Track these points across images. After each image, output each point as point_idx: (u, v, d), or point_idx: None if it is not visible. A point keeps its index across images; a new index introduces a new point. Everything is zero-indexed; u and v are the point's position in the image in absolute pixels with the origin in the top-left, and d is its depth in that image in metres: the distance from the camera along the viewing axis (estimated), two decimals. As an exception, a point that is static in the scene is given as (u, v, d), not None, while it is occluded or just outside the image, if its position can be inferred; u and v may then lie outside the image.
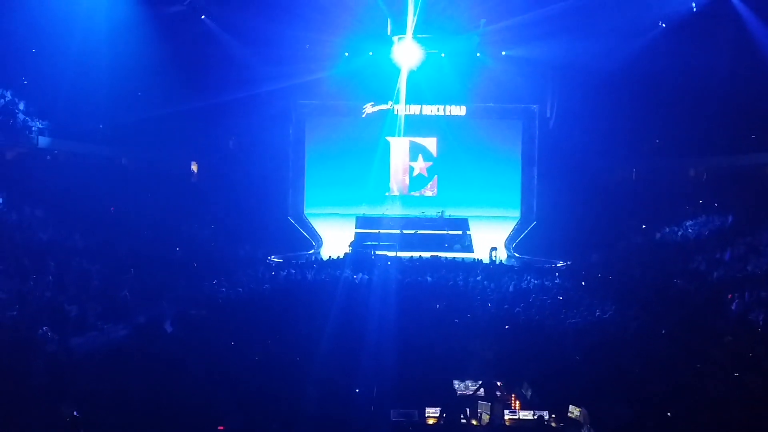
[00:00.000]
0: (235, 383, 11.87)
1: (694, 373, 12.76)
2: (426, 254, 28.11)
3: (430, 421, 11.36)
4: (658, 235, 27.41)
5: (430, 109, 35.24)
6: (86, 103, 27.77)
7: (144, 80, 28.28)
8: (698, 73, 27.59)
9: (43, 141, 26.47)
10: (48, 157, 28.22)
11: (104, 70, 26.27)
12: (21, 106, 25.86)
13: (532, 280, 23.47)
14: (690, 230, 26.50)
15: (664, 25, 28.67)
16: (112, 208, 26.89)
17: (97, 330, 16.87)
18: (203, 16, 29.75)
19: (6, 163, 26.24)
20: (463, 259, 27.88)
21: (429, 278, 23.46)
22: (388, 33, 29.66)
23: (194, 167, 36.51)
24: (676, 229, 27.18)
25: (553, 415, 11.37)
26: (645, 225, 29.13)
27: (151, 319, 17.44)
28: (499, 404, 11.67)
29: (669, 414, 11.10)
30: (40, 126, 26.48)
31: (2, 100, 25.20)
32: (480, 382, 12.52)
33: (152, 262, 23.13)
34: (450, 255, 28.94)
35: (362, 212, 34.31)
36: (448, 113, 35.28)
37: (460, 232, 33.08)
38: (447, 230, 33.09)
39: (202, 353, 13.47)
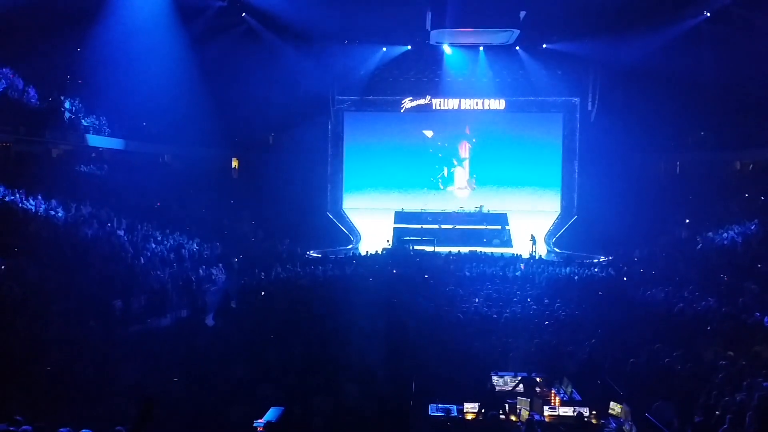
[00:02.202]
0: (275, 376, 11.98)
1: (739, 370, 12.47)
2: (465, 249, 28.01)
3: (469, 417, 11.30)
4: (702, 230, 26.82)
5: (468, 103, 35.08)
6: (130, 101, 28.27)
7: (185, 77, 28.64)
8: (742, 64, 26.89)
9: (88, 139, 27.03)
10: (93, 155, 28.82)
11: (146, 67, 26.69)
12: (67, 104, 26.45)
13: (573, 275, 23.29)
14: (735, 224, 25.85)
15: (708, 14, 28.01)
16: (157, 204, 27.37)
17: (141, 323, 17.22)
18: (244, 14, 29.98)
19: (53, 160, 26.88)
20: (502, 254, 27.69)
21: (467, 273, 23.41)
22: (427, 27, 29.54)
23: (235, 163, 36.95)
24: (721, 222, 26.56)
25: (594, 412, 11.23)
26: (689, 219, 28.54)
27: (192, 313, 17.75)
28: (539, 400, 11.58)
29: (717, 413, 10.88)
30: (86, 124, 27.06)
31: (49, 98, 25.78)
32: (519, 377, 12.43)
33: (194, 257, 23.53)
34: (489, 250, 28.77)
35: (401, 207, 34.31)
36: (486, 107, 35.09)
37: (499, 227, 32.89)
38: (486, 225, 32.92)
39: (241, 347, 13.63)
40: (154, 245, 22.71)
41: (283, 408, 10.60)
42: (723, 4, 26.95)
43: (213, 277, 22.94)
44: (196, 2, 27.92)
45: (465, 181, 36.09)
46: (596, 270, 24.91)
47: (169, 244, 23.55)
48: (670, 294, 19.63)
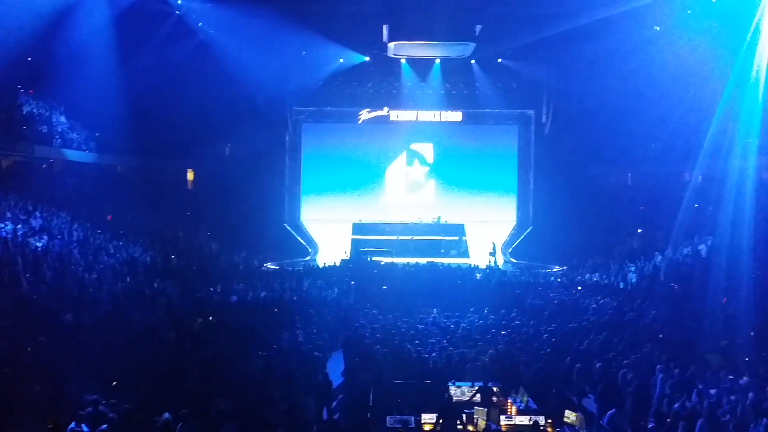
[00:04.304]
0: (232, 391, 11.85)
1: (690, 378, 12.77)
2: (422, 260, 28.11)
3: (427, 428, 11.33)
4: (654, 240, 27.37)
5: (426, 115, 35.32)
6: (83, 111, 27.75)
7: (139, 88, 28.25)
8: (691, 76, 27.56)
9: (39, 149, 26.42)
10: (44, 166, 28.18)
11: (99, 78, 26.26)
12: (17, 115, 25.83)
13: (528, 284, 23.59)
14: (685, 234, 26.40)
15: (658, 28, 28.64)
16: (109, 217, 26.87)
17: (92, 338, 16.81)
18: (200, 23, 29.68)
19: (2, 171, 26.20)
20: (459, 264, 27.86)
21: (425, 284, 23.50)
22: (384, 39, 29.71)
23: (190, 174, 36.49)
24: (671, 233, 27.10)
25: (549, 421, 11.37)
26: (641, 229, 29.15)
27: (147, 328, 17.41)
28: (496, 410, 11.67)
29: (668, 420, 11.12)
30: (37, 134, 26.43)
31: (-1, 108, 25.20)
32: (476, 387, 12.52)
33: (148, 269, 23.13)
34: (446, 261, 28.94)
35: (359, 218, 34.31)
36: (444, 119, 35.38)
37: (457, 238, 33.10)
38: (443, 236, 33.10)
39: (198, 361, 13.44)
40: (107, 258, 22.27)
41: (239, 422, 10.51)
42: (673, 20, 27.55)
43: (167, 290, 22.53)
44: (150, 12, 27.54)
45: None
46: (552, 279, 25.30)
47: (122, 257, 23.11)
48: (622, 303, 20.00)
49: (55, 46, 24.90)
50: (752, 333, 15.78)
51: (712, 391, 12.00)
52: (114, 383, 11.95)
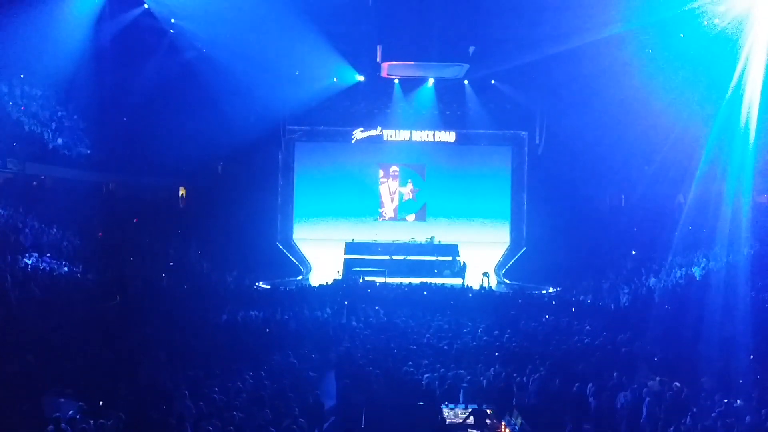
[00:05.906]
0: (221, 413, 11.66)
1: (684, 400, 12.64)
2: (416, 280, 27.95)
3: (420, 450, 11.18)
4: (647, 262, 27.32)
5: (419, 135, 35.37)
6: (72, 128, 27.57)
7: (131, 105, 28.13)
8: (684, 98, 27.68)
9: (29, 167, 26.22)
10: (34, 183, 27.97)
11: (90, 94, 26.15)
12: (7, 132, 25.66)
13: (523, 305, 23.46)
14: (679, 256, 26.39)
15: (650, 51, 28.84)
16: (99, 234, 26.61)
17: (82, 357, 16.57)
18: (193, 42, 29.61)
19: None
20: (452, 285, 27.70)
21: (418, 303, 23.34)
22: (378, 60, 29.77)
23: (182, 192, 36.31)
24: (665, 255, 27.08)
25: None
26: (635, 251, 29.11)
27: (137, 346, 17.19)
28: (489, 433, 11.53)
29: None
30: (28, 151, 26.26)
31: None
32: (470, 409, 12.36)
33: (139, 288, 22.90)
34: (440, 281, 28.75)
35: (351, 238, 34.16)
36: (437, 139, 35.42)
37: (450, 258, 32.95)
38: (436, 256, 32.96)
39: (187, 381, 13.24)
40: (96, 276, 22.06)
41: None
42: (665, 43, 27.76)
43: (157, 309, 22.28)
44: (143, 30, 27.52)
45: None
46: (546, 300, 25.21)
47: (112, 275, 22.89)
48: (616, 325, 19.86)
49: (44, 61, 24.82)
50: (752, 356, 15.66)
51: (713, 414, 11.87)
52: (101, 402, 11.74)
